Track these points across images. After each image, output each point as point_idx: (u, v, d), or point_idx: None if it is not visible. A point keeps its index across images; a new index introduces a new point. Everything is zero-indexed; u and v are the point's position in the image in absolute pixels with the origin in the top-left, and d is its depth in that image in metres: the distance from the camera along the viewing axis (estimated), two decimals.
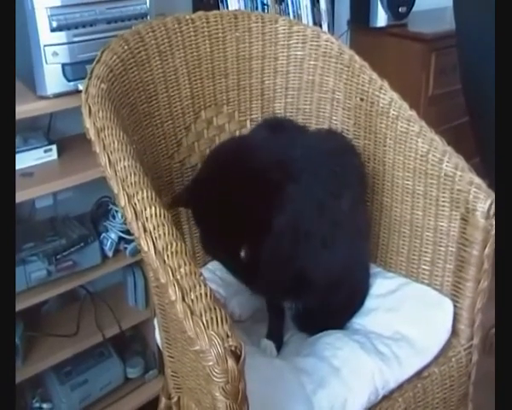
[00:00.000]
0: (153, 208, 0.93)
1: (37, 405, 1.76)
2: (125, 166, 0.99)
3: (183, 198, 1.27)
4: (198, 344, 0.80)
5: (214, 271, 1.39)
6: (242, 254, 1.10)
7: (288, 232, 1.12)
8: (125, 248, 1.73)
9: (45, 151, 1.59)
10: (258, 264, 1.11)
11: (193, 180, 1.27)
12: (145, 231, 0.91)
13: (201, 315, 0.81)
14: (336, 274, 1.22)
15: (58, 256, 1.58)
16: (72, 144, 1.67)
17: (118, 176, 0.98)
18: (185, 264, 0.87)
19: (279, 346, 1.26)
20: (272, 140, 1.25)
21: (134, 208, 0.93)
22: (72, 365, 1.77)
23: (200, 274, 0.87)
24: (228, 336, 0.80)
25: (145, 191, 0.96)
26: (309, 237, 1.15)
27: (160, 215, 0.93)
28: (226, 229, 1.11)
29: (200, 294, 0.84)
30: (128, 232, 1.70)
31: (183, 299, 0.83)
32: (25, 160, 1.54)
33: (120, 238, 1.73)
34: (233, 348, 0.79)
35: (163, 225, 0.92)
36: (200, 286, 0.85)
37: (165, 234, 0.90)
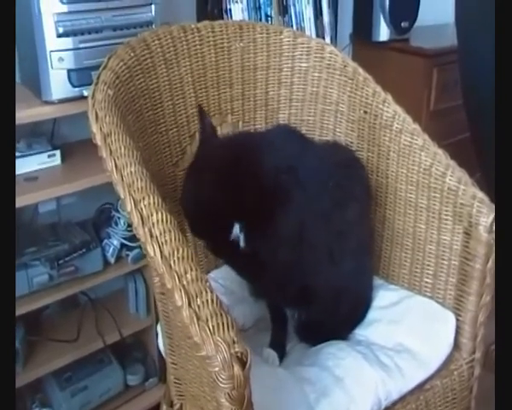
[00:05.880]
0: (159, 214, 0.93)
1: None
2: (131, 172, 0.99)
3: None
4: (204, 350, 0.80)
5: (217, 279, 1.39)
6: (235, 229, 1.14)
7: (291, 236, 1.13)
8: (127, 255, 1.73)
9: (49, 156, 1.59)
10: (258, 258, 1.13)
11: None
12: (151, 236, 0.91)
13: (208, 321, 0.81)
14: (341, 286, 1.22)
15: (60, 261, 1.58)
16: (75, 150, 1.68)
17: (124, 181, 0.98)
18: (191, 269, 0.87)
19: (281, 355, 1.25)
20: (285, 145, 1.26)
21: (140, 214, 0.93)
22: (72, 371, 1.76)
23: (207, 280, 0.87)
24: (234, 342, 0.80)
25: (151, 197, 0.96)
26: (315, 247, 1.15)
27: (167, 221, 0.93)
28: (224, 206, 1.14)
29: (207, 300, 0.84)
30: (130, 239, 1.71)
31: (190, 304, 0.83)
32: (28, 164, 1.55)
33: (122, 245, 1.73)
34: (239, 355, 0.80)
35: (169, 230, 0.92)
36: (206, 292, 0.85)
37: (171, 240, 0.90)
